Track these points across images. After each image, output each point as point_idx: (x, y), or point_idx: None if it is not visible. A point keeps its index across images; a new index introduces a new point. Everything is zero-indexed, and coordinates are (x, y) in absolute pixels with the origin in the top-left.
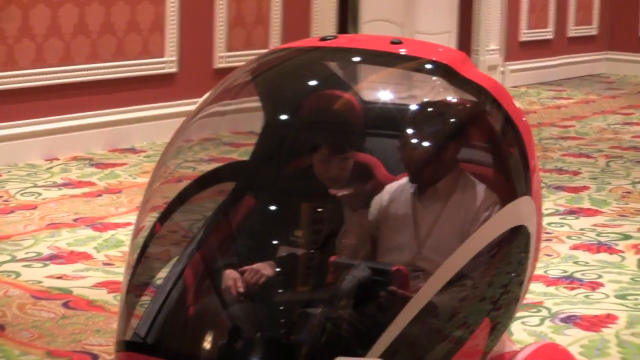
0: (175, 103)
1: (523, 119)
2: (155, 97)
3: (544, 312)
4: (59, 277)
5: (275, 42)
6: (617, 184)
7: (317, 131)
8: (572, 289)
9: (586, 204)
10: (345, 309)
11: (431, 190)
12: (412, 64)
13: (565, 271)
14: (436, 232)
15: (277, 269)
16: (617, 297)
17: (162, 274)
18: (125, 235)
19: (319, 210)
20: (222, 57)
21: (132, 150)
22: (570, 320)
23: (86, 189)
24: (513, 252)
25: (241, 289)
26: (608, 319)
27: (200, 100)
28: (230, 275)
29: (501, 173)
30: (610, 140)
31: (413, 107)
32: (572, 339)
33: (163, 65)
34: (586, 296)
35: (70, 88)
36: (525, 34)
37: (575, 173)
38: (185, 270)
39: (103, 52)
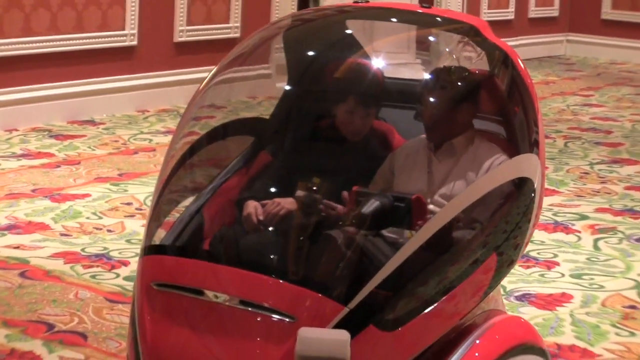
0: (134, 76)
1: (532, 83)
2: (115, 69)
3: None
4: (17, 247)
5: (235, 17)
6: (575, 165)
7: (340, 89)
8: (528, 267)
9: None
10: (366, 230)
11: (447, 145)
12: (446, 24)
13: None
14: (448, 182)
15: (297, 203)
16: (572, 276)
17: (182, 207)
18: (83, 207)
19: (338, 160)
20: (182, 31)
21: (92, 123)
22: (525, 298)
23: (45, 160)
24: (514, 211)
25: (261, 217)
26: (563, 298)
27: (225, 57)
28: (251, 204)
29: (516, 132)
30: (569, 121)
31: (436, 68)
32: (526, 317)
33: (123, 38)
34: (541, 275)
35: (31, 60)
36: (486, 14)
37: None
38: (205, 205)
39: (63, 25)
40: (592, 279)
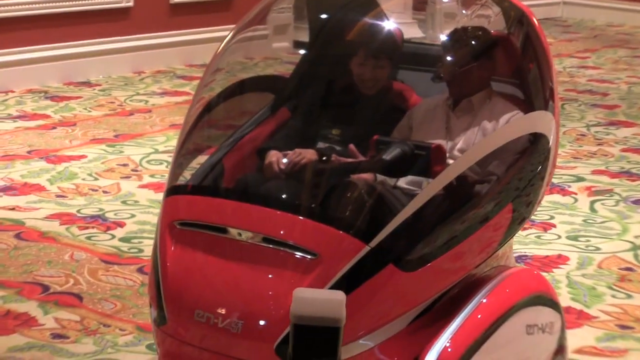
0: (130, 37)
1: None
2: (111, 31)
3: None
4: (12, 209)
5: None
6: (572, 127)
7: (356, 46)
8: (524, 229)
9: None
10: (388, 176)
11: (465, 102)
12: None
13: None
14: (465, 137)
15: (318, 154)
16: (568, 238)
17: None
18: (78, 168)
19: (356, 113)
20: None
21: (88, 84)
22: (521, 260)
23: (41, 122)
24: (527, 167)
25: (282, 166)
26: (559, 260)
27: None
28: (273, 153)
29: (531, 89)
30: (566, 83)
31: (455, 28)
32: None
33: None
34: (538, 236)
35: (27, 21)
36: None
37: None
38: (226, 156)
39: None
40: (588, 240)
